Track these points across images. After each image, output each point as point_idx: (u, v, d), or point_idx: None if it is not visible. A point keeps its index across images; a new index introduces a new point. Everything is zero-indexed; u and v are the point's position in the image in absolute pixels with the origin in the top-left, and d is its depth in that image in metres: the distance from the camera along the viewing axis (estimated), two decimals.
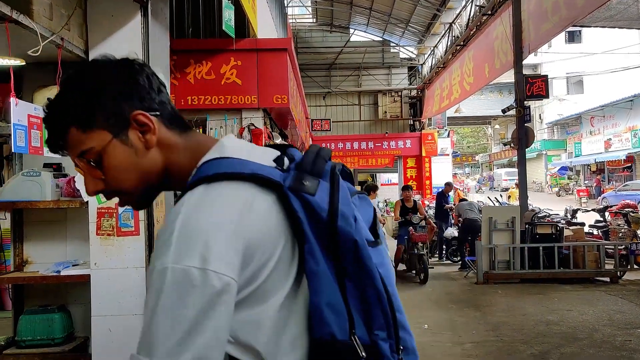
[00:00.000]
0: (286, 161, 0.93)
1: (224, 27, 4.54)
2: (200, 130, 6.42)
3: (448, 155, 21.09)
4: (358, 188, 1.50)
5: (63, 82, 0.94)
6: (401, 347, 0.88)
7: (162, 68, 3.18)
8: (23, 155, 3.52)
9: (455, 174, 33.95)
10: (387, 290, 0.87)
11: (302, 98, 10.07)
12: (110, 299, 3.00)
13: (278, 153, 0.95)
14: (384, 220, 9.93)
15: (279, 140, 7.40)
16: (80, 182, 3.06)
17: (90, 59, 0.92)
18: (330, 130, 17.45)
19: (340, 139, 18.59)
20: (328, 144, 17.64)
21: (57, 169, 3.28)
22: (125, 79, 0.91)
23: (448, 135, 21.28)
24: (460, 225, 10.28)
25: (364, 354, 0.82)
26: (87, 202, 3.01)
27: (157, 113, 0.92)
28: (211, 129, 6.51)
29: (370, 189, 9.52)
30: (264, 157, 0.92)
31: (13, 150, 2.42)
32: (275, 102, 6.69)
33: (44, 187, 3.09)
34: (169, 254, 0.77)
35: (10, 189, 3.12)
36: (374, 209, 1.03)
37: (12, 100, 2.40)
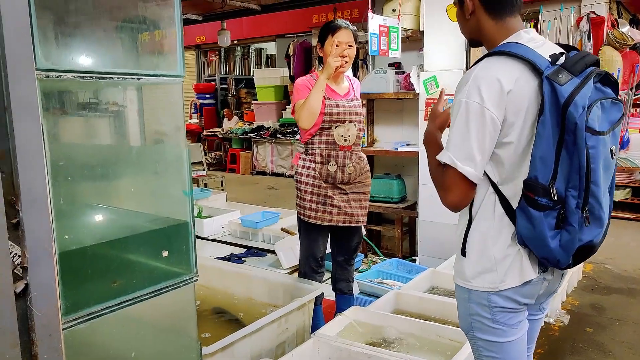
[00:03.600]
0: (562, 59, 1.31)
1: None
2: (532, 24, 6.31)
3: None
4: None
5: None
6: (587, 210, 1.24)
7: None
8: (374, 57, 4.51)
9: None
10: (589, 165, 1.21)
11: None
12: None
13: (561, 50, 1.35)
14: None
15: (625, 29, 6.52)
16: (414, 78, 3.81)
17: None
18: None
19: None
20: None
21: (397, 67, 4.12)
22: None
23: None
24: None
25: (555, 197, 1.24)
26: (418, 93, 3.75)
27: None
28: (544, 21, 6.30)
29: None
30: (545, 51, 1.34)
31: (369, 54, 3.28)
32: None
33: (388, 82, 3.99)
34: (464, 93, 1.31)
35: (365, 83, 4.15)
36: (622, 115, 1.33)
37: (370, 14, 3.22)
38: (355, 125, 2.58)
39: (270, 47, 13.31)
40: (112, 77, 1.56)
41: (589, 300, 3.64)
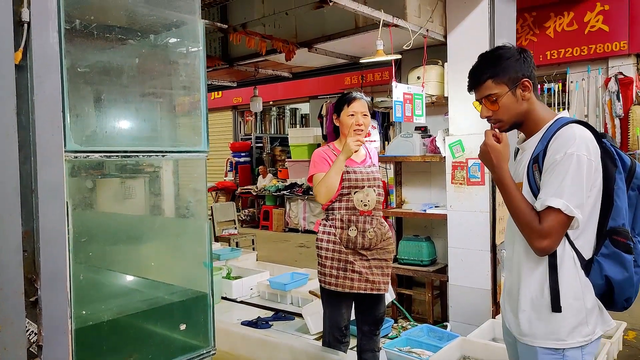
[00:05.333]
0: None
1: None
2: (560, 85, 6.30)
3: None
4: None
5: (491, 55, 1.60)
6: None
7: (508, 38, 3.54)
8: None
9: None
10: None
11: None
12: (462, 235, 3.69)
13: None
14: None
15: None
16: (440, 142, 3.82)
17: (497, 46, 1.64)
18: None
19: None
20: None
21: (424, 131, 4.15)
22: (519, 58, 1.56)
23: None
24: None
25: (633, 242, 1.39)
26: (445, 157, 3.74)
27: (532, 81, 1.56)
28: (572, 82, 6.28)
29: None
30: None
31: (393, 120, 3.34)
32: None
33: (414, 145, 4.01)
34: (574, 146, 1.40)
35: (392, 146, 4.18)
36: None
37: (394, 83, 3.30)
38: (374, 190, 2.60)
39: (304, 107, 13.69)
40: (137, 155, 1.63)
41: None
